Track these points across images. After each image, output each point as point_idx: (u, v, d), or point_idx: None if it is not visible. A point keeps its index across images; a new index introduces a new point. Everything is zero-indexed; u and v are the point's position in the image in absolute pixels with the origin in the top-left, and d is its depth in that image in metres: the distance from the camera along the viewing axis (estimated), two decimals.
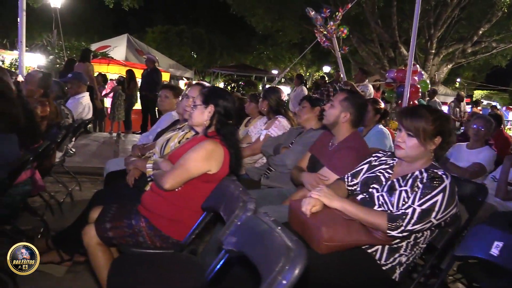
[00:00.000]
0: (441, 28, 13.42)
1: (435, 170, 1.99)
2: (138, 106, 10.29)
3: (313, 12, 6.32)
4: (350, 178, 2.34)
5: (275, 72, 30.86)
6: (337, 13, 6.01)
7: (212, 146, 2.24)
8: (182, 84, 17.10)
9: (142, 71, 10.54)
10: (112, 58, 13.38)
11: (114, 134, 9.11)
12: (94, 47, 14.62)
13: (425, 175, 2.00)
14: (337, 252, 1.91)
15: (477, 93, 28.30)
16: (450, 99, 18.45)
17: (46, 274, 2.84)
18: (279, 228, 1.55)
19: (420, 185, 1.96)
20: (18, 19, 5.47)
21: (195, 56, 25.60)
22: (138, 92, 10.07)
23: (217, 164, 2.25)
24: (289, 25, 16.07)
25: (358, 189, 2.26)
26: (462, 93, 12.57)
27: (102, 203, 2.61)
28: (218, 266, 1.76)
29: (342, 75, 6.98)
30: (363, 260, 2.03)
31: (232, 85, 20.80)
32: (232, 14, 17.52)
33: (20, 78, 5.47)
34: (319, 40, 6.58)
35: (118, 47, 15.76)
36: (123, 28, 29.18)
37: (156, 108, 9.61)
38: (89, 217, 2.48)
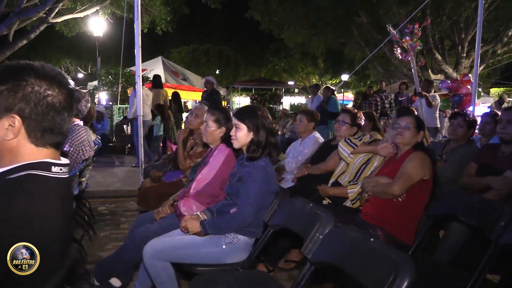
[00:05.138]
0: (471, 31, 13.89)
1: None
2: None
3: (391, 28, 6.72)
4: None
5: (291, 83, 31.36)
6: (415, 28, 6.41)
7: (423, 155, 2.76)
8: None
9: (181, 92, 10.92)
10: None
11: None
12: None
13: None
14: None
15: (494, 91, 28.40)
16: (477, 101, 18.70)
17: None
18: None
19: None
20: (135, 51, 5.60)
21: (217, 73, 26.11)
22: None
23: (429, 171, 2.70)
24: (319, 39, 16.59)
25: None
26: (505, 95, 12.85)
27: None
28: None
29: (416, 87, 7.37)
30: None
31: (259, 100, 21.16)
32: (244, 30, 17.91)
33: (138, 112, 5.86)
34: (397, 54, 6.97)
35: (155, 70, 16.11)
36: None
37: None
38: None
